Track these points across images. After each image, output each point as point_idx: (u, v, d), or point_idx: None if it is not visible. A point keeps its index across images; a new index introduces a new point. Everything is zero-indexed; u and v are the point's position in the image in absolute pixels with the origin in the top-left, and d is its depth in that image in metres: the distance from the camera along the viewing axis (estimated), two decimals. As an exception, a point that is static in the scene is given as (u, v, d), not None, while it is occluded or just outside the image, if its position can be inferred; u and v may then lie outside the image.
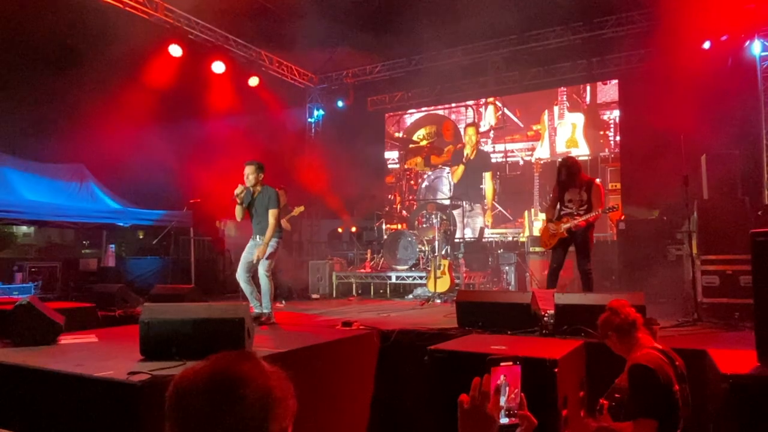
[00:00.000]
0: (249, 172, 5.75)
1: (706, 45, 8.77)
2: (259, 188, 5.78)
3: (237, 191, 5.72)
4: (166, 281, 8.24)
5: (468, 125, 9.88)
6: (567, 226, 5.93)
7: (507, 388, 1.33)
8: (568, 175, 6.14)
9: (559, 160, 6.78)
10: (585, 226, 5.91)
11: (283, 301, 8.01)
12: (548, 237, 6.24)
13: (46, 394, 3.15)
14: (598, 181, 6.24)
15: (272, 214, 5.67)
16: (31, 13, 7.70)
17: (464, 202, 10.52)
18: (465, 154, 9.38)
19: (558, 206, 6.19)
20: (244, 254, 5.80)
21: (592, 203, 5.94)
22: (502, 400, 1.32)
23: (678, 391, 2.76)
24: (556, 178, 6.35)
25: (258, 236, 5.77)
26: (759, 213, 7.04)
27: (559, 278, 6.28)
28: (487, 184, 11.40)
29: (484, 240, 10.97)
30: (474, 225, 11.43)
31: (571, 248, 6.18)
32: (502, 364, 1.33)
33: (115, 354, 3.69)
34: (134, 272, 9.06)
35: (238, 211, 5.80)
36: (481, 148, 11.94)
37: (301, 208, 8.09)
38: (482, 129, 12.08)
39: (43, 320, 4.16)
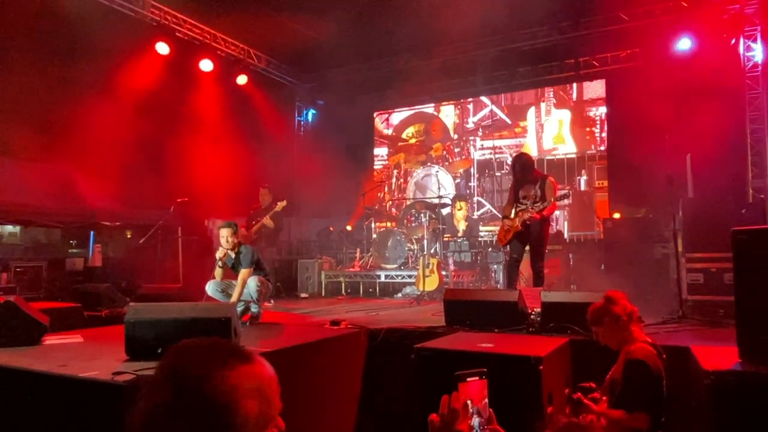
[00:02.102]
0: (228, 235, 5.69)
1: (686, 44, 8.86)
2: (237, 248, 5.76)
3: (219, 255, 5.73)
4: (153, 281, 8.18)
5: (458, 197, 9.80)
6: (522, 218, 6.02)
7: (475, 406, 1.35)
8: (522, 171, 6.26)
9: (513, 156, 6.88)
10: (539, 218, 5.99)
11: (272, 300, 7.99)
12: (504, 233, 6.34)
13: (30, 395, 3.12)
14: (551, 178, 6.31)
15: (242, 273, 5.63)
16: (12, 8, 7.61)
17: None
18: (459, 229, 9.39)
19: (514, 204, 6.29)
20: (229, 282, 5.78)
21: (546, 199, 6.01)
22: (474, 419, 1.33)
23: (665, 383, 2.86)
24: (512, 175, 6.47)
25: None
26: (743, 211, 7.12)
27: (519, 273, 6.38)
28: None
29: (473, 239, 10.98)
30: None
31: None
32: (468, 379, 1.34)
33: (100, 354, 3.67)
34: (121, 272, 8.99)
35: (218, 272, 5.78)
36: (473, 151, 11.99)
37: (284, 203, 8.08)
38: (469, 126, 12.13)
39: (27, 320, 4.13)
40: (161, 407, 0.94)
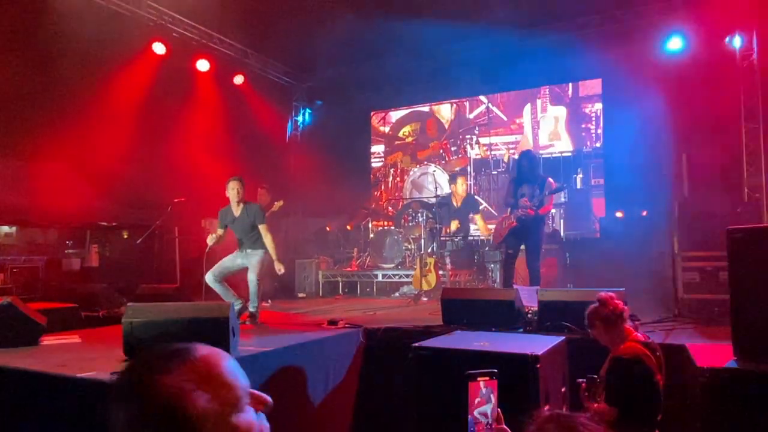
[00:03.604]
0: (238, 187, 5.82)
1: (681, 42, 8.88)
2: (240, 206, 5.83)
3: (210, 242, 5.82)
4: (150, 281, 8.17)
5: (458, 174, 9.79)
6: (517, 214, 6.07)
7: (492, 397, 1.37)
8: (529, 167, 6.30)
9: (520, 152, 6.92)
10: (533, 214, 6.02)
11: (269, 300, 8.00)
12: (499, 230, 6.37)
13: (28, 395, 3.12)
14: (550, 179, 6.35)
15: (264, 228, 5.78)
16: (6, 8, 7.59)
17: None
18: (453, 205, 9.40)
19: (513, 202, 6.35)
20: (224, 261, 5.81)
21: (543, 199, 6.05)
22: (488, 403, 1.35)
23: (660, 381, 2.91)
24: (516, 171, 6.51)
25: (248, 249, 5.77)
26: (738, 210, 7.15)
27: (516, 272, 6.40)
28: (479, 223, 10.81)
29: (470, 238, 10.99)
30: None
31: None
32: (479, 379, 1.36)
33: (98, 354, 3.68)
34: (118, 272, 8.97)
35: (212, 239, 5.85)
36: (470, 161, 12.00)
37: (281, 203, 8.08)
38: (465, 123, 12.14)
39: (24, 321, 4.13)
40: (132, 420, 0.95)
